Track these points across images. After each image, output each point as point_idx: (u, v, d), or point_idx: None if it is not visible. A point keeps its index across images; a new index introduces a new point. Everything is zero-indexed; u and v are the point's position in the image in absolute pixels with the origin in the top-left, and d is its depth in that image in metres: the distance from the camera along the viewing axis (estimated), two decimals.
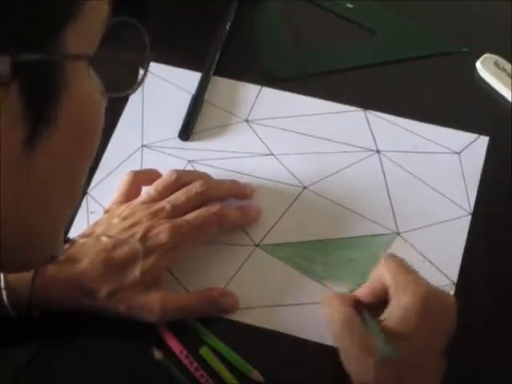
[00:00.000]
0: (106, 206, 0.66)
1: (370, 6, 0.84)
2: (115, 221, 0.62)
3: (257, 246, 0.66)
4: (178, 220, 0.62)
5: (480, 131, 0.74)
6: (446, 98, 0.77)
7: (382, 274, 0.61)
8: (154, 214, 0.62)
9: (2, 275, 0.58)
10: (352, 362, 0.58)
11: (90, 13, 0.38)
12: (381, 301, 0.61)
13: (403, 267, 0.61)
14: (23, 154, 0.38)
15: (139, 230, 0.60)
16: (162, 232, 0.61)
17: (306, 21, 0.83)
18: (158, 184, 0.65)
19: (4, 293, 0.58)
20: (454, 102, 0.76)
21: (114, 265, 0.60)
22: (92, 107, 0.41)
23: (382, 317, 0.60)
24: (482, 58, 0.78)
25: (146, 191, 0.65)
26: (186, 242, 0.62)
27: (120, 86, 0.42)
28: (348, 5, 0.84)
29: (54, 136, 0.39)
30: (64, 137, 0.39)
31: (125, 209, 0.63)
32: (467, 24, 0.82)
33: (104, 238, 0.60)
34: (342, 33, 0.83)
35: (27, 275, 0.58)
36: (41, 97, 0.37)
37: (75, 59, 0.38)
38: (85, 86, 0.40)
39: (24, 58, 0.35)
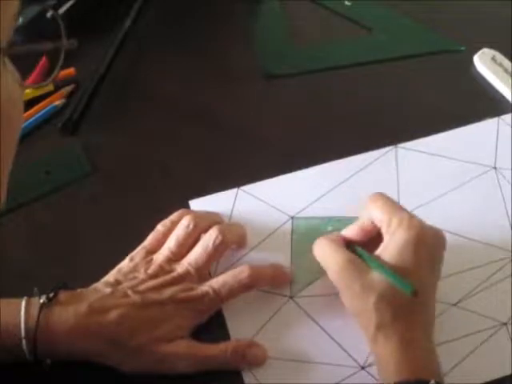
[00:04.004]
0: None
1: (367, 4, 0.85)
2: (142, 276, 0.62)
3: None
4: (205, 287, 0.61)
5: None
6: (443, 93, 0.76)
7: (371, 211, 0.61)
8: (182, 278, 0.62)
9: (22, 325, 0.57)
10: (353, 299, 0.58)
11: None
12: (371, 240, 0.61)
13: (393, 204, 0.61)
14: None
15: (169, 293, 0.61)
16: (190, 297, 0.61)
17: (304, 18, 0.84)
18: (178, 237, 0.64)
19: (24, 342, 0.57)
20: (452, 97, 0.76)
21: (143, 321, 0.59)
22: (9, 99, 0.39)
23: (376, 253, 0.59)
24: (479, 53, 0.78)
25: (167, 246, 0.64)
26: (213, 307, 0.62)
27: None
28: (346, 2, 0.85)
29: None
30: None
31: (150, 265, 0.63)
32: (464, 19, 0.82)
33: (132, 294, 0.60)
34: (340, 30, 0.83)
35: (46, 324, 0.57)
36: None
37: None
38: (1, 78, 0.39)
39: None
